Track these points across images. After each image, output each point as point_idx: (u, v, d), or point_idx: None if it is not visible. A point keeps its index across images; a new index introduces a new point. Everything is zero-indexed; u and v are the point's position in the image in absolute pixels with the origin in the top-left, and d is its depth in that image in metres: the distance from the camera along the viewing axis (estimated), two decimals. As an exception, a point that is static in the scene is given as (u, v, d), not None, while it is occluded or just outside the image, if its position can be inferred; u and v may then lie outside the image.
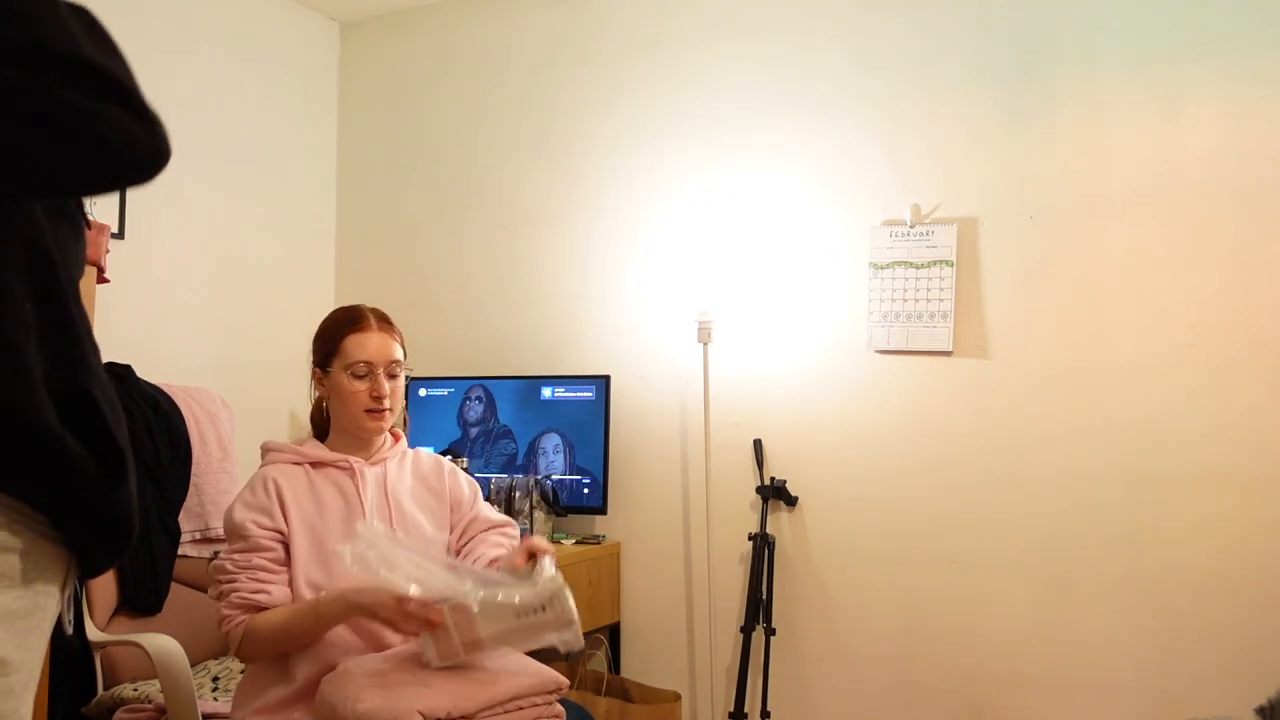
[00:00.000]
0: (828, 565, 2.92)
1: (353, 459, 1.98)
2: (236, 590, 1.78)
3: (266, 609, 1.78)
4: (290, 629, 1.77)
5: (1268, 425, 2.45)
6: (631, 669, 3.17)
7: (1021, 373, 2.70)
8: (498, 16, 3.50)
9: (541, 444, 3.16)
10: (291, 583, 1.84)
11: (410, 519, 1.98)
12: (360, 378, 1.94)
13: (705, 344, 3.02)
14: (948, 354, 2.78)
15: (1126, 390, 2.58)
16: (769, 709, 2.87)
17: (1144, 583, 2.56)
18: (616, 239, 3.24)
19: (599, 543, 3.13)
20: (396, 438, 2.08)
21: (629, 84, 3.25)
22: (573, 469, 3.10)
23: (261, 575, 1.80)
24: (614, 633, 3.18)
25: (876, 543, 2.86)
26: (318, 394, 2.02)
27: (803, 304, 2.96)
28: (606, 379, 3.11)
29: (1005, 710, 2.70)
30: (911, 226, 2.81)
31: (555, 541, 3.05)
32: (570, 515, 3.08)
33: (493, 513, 2.09)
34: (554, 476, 3.08)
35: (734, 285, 3.05)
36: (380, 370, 1.94)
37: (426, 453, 2.14)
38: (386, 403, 1.95)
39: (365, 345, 1.94)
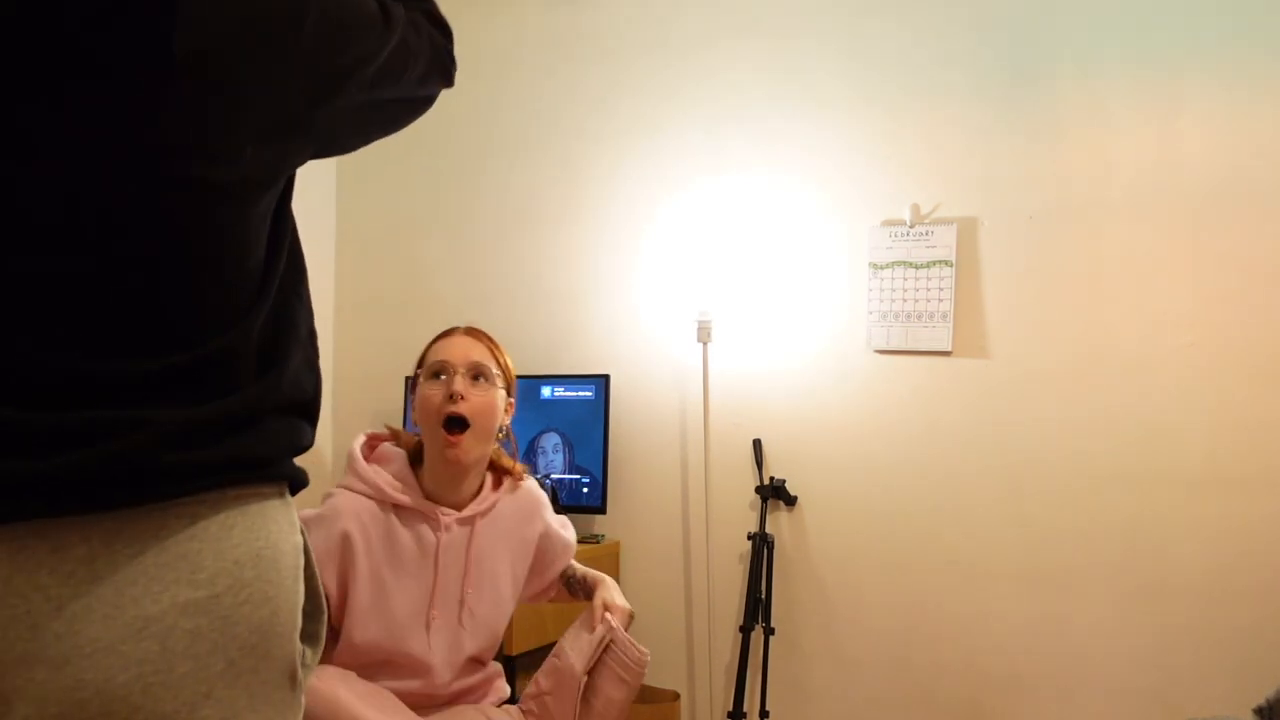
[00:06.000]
0: (827, 565, 2.92)
1: (441, 509, 1.79)
2: None
3: None
4: None
5: (1267, 425, 2.45)
6: (630, 668, 3.16)
7: (1021, 373, 2.70)
8: (498, 16, 3.50)
9: (541, 443, 3.16)
10: (346, 635, 1.73)
11: (486, 583, 1.82)
12: (435, 378, 1.78)
13: (705, 343, 3.02)
14: (947, 354, 2.78)
15: (1126, 390, 2.58)
16: (768, 708, 2.87)
17: (1143, 582, 2.56)
18: (616, 238, 3.24)
19: (598, 542, 3.13)
20: (498, 482, 1.89)
21: (629, 84, 3.25)
22: (572, 468, 3.10)
23: None
24: (613, 632, 3.18)
25: (876, 542, 2.86)
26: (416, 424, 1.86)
27: (802, 304, 2.96)
28: (606, 378, 3.11)
29: (1004, 710, 2.70)
30: (911, 226, 2.81)
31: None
32: (569, 514, 3.06)
33: (570, 554, 1.99)
34: (553, 476, 3.08)
35: (734, 285, 3.05)
36: (459, 370, 1.77)
37: (528, 490, 1.94)
38: (463, 407, 1.74)
39: (443, 347, 1.81)
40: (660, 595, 3.14)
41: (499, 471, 1.91)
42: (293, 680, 0.89)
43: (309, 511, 1.77)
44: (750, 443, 3.01)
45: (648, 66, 3.22)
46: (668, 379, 3.14)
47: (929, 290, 2.79)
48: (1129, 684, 2.56)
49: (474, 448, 1.77)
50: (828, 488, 2.92)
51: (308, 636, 0.92)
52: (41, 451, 0.76)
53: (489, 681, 1.92)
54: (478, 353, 1.80)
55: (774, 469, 2.98)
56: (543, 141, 3.39)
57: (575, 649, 1.77)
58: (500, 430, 1.85)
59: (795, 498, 2.95)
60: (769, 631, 2.89)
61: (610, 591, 1.88)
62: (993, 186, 2.74)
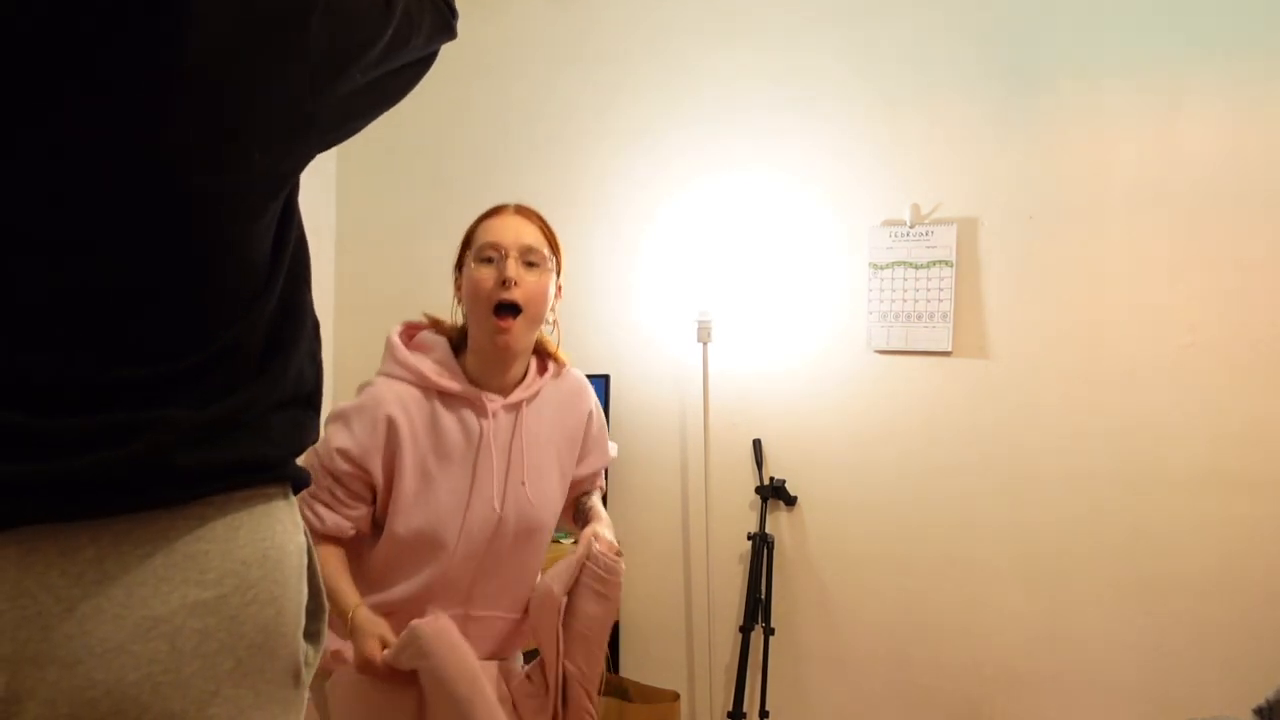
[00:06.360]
0: (827, 565, 2.93)
1: (487, 395, 1.73)
2: (316, 498, 1.68)
3: (330, 536, 1.67)
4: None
5: (1266, 426, 2.45)
6: (630, 668, 3.17)
7: (1020, 373, 2.70)
8: (499, 16, 3.50)
9: (541, 443, 3.15)
10: (389, 525, 1.69)
11: (534, 471, 1.78)
12: (486, 261, 1.69)
13: (705, 344, 3.03)
14: (947, 354, 2.78)
15: (1125, 390, 2.59)
16: (768, 708, 2.87)
17: (1142, 583, 2.56)
18: (617, 238, 3.24)
19: (598, 542, 3.13)
20: (543, 367, 1.83)
21: (630, 84, 3.25)
22: (572, 468, 3.10)
23: (333, 499, 1.68)
24: (613, 632, 3.17)
25: (876, 542, 2.86)
26: (460, 307, 1.79)
27: (802, 304, 2.96)
28: (606, 378, 3.11)
29: (1004, 710, 2.70)
30: (911, 226, 2.81)
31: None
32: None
33: (604, 461, 1.97)
34: (553, 476, 3.08)
35: (734, 285, 3.05)
36: (511, 254, 1.69)
37: (573, 376, 1.88)
38: (516, 294, 1.67)
39: (493, 228, 1.72)
40: (660, 595, 3.14)
41: (544, 357, 1.86)
42: (296, 678, 0.90)
43: (347, 404, 1.72)
44: (750, 443, 3.01)
45: (648, 67, 3.22)
46: (668, 379, 3.14)
47: (929, 290, 2.79)
48: (1129, 684, 2.57)
49: (524, 334, 1.73)
50: (828, 488, 2.93)
51: (310, 635, 0.93)
52: (48, 455, 0.76)
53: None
54: (530, 235, 1.73)
55: (774, 469, 2.99)
56: (543, 141, 3.39)
57: (554, 575, 1.72)
58: (551, 313, 1.81)
59: (795, 498, 2.95)
60: (769, 631, 2.89)
61: (602, 526, 1.82)
62: (993, 186, 2.75)
